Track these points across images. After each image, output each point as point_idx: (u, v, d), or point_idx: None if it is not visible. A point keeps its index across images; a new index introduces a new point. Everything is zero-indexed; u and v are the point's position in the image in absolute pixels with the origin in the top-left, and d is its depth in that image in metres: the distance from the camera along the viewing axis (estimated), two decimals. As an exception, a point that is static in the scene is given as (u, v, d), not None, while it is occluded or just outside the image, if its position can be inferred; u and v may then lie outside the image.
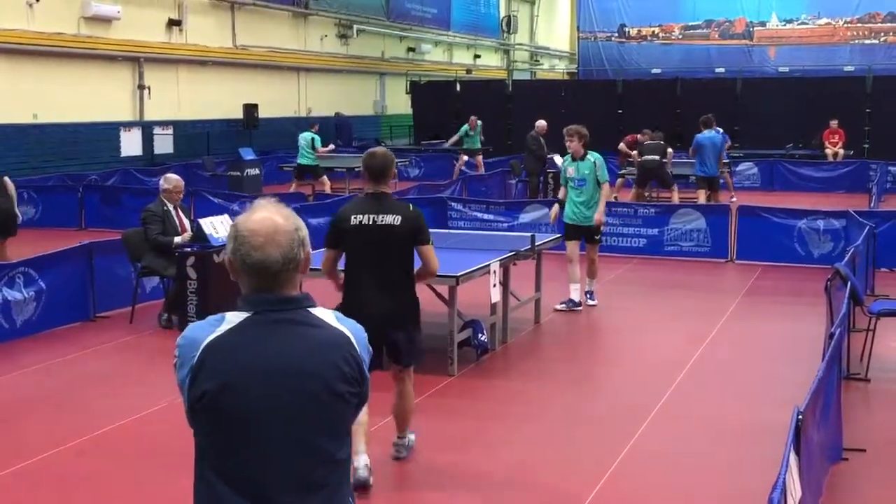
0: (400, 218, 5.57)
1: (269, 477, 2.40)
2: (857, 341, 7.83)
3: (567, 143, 10.09)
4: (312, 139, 18.98)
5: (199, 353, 2.41)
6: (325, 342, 2.46)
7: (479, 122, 22.89)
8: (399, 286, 5.64)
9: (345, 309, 4.36)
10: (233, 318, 2.45)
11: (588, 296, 10.46)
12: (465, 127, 22.66)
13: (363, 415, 5.10)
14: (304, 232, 2.50)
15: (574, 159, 10.07)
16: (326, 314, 2.52)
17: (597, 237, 10.26)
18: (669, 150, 17.64)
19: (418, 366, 5.95)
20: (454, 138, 23.11)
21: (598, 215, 10.09)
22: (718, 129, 16.75)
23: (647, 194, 18.27)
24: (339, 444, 2.49)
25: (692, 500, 5.55)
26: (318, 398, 2.42)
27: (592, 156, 10.06)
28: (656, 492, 5.62)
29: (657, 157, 17.04)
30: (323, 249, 5.80)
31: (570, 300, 10.21)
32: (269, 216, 2.47)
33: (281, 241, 2.44)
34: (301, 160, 19.02)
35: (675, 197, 17.01)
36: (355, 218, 5.58)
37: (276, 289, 2.46)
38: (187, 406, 2.45)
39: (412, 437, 6.07)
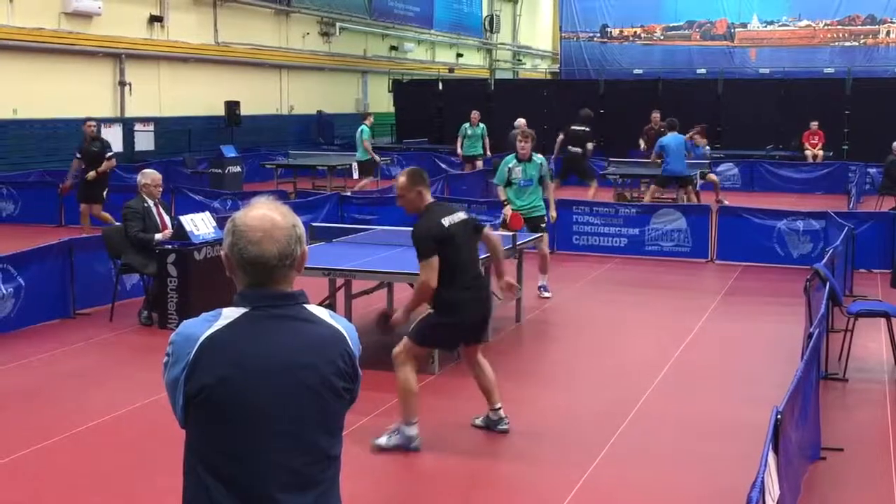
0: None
1: (264, 472, 2.41)
2: (836, 341, 7.89)
3: (521, 144, 10.20)
4: (361, 131, 19.27)
5: (195, 349, 2.41)
6: (322, 338, 2.49)
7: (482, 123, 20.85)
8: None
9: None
10: (230, 313, 2.47)
11: (541, 290, 10.65)
12: (466, 125, 21.06)
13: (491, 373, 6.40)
14: (301, 230, 2.53)
15: (521, 161, 10.24)
16: (321, 311, 2.55)
17: (542, 225, 10.35)
18: (590, 144, 17.76)
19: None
20: (458, 142, 21.26)
21: (553, 212, 10.65)
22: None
23: (628, 195, 18.35)
24: (333, 440, 2.52)
25: (671, 499, 5.57)
26: (316, 393, 2.45)
27: (538, 158, 10.30)
28: (635, 491, 5.64)
29: (579, 150, 17.12)
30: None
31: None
32: (268, 212, 2.49)
33: (278, 237, 2.46)
34: (358, 155, 19.22)
35: (592, 192, 17.07)
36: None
37: (272, 284, 2.48)
38: (182, 402, 2.43)
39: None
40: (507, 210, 10.29)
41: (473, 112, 21.33)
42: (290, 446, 2.42)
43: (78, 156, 14.16)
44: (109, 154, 14.10)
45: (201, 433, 2.45)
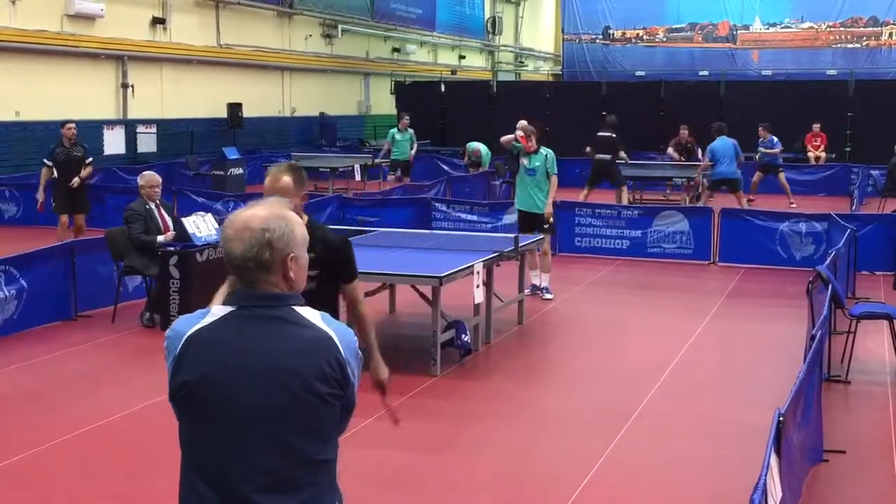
0: None
1: (241, 471, 2.40)
2: (838, 343, 7.88)
3: (525, 144, 10.72)
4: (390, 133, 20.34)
5: (181, 344, 2.44)
6: (308, 341, 2.46)
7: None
8: None
9: None
10: (218, 311, 2.49)
11: (543, 291, 10.72)
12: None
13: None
14: (276, 234, 2.46)
15: (528, 153, 10.70)
16: (313, 314, 2.52)
17: (545, 226, 10.63)
18: (621, 150, 17.96)
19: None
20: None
21: (548, 208, 10.63)
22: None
23: (631, 197, 18.38)
24: (321, 445, 2.48)
25: (673, 501, 5.56)
26: (296, 396, 2.42)
27: (545, 150, 10.73)
28: (637, 493, 5.64)
29: (608, 156, 17.23)
30: None
31: (533, 285, 10.75)
32: (252, 213, 2.50)
33: (244, 237, 2.46)
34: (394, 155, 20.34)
35: (625, 198, 17.18)
36: None
37: (258, 285, 2.48)
38: (170, 397, 2.48)
39: None
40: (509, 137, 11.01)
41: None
42: (268, 447, 2.40)
43: (49, 163, 12.84)
44: (90, 159, 13.16)
45: (185, 428, 2.48)
